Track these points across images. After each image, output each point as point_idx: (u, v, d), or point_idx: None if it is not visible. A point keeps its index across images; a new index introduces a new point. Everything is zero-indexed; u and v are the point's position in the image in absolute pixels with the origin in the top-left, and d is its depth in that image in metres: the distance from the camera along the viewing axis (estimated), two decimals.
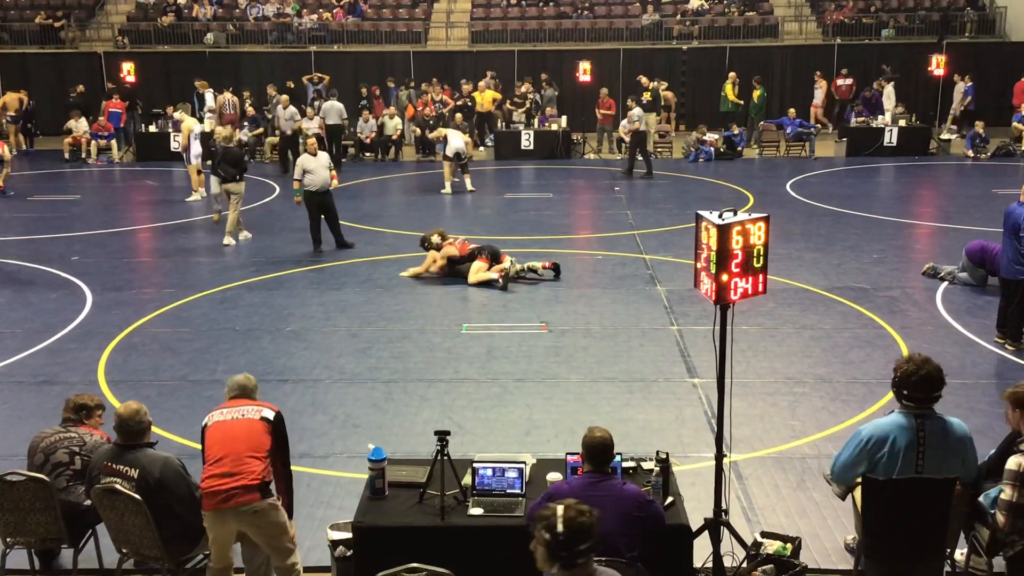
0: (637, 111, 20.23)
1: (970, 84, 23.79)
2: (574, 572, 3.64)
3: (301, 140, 18.31)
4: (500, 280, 12.06)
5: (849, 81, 24.72)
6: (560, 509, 3.66)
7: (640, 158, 20.06)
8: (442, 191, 18.34)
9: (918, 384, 4.86)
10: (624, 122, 20.87)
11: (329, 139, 21.62)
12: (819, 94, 24.70)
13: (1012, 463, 5.01)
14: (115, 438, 5.57)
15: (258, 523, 5.34)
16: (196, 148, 17.90)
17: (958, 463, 4.90)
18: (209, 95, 23.29)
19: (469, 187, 18.41)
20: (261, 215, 16.52)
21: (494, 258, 12.34)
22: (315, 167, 13.59)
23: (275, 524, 5.39)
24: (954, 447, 4.86)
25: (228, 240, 14.48)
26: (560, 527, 3.60)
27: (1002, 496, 4.96)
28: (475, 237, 13.44)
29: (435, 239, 12.60)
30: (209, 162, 17.19)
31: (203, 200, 17.89)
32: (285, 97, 21.10)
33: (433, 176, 19.91)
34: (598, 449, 4.98)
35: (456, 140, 18.24)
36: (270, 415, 5.53)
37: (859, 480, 5.13)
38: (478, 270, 12.21)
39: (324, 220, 13.89)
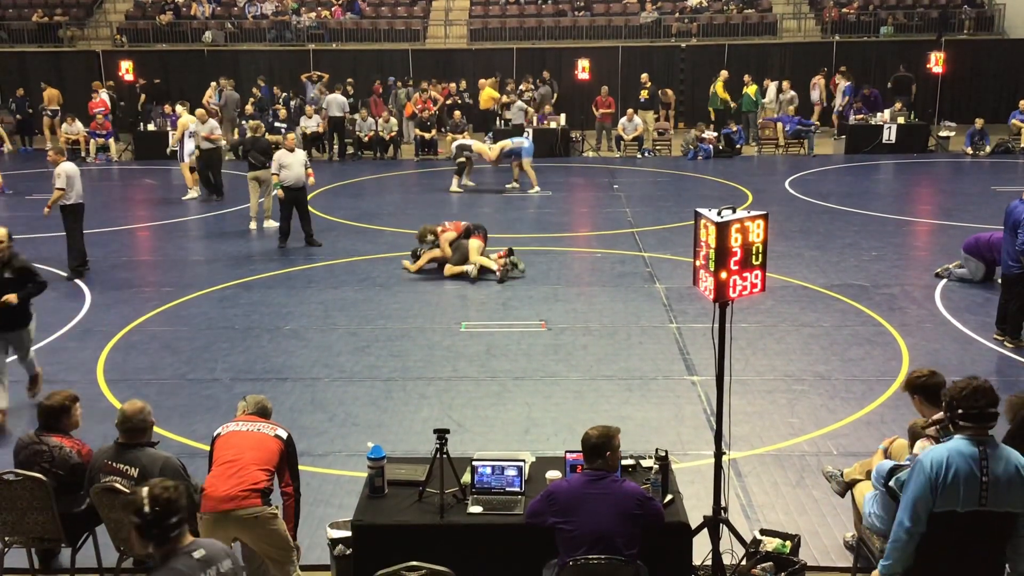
0: (520, 103, 21.59)
1: (848, 84, 23.94)
2: (169, 547, 3.77)
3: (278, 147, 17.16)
4: (498, 273, 12.20)
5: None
6: (144, 490, 3.77)
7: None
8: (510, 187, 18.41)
9: (970, 397, 4.46)
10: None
11: (332, 131, 22.23)
12: (815, 94, 24.69)
13: (918, 447, 5.05)
14: (116, 436, 5.57)
15: (257, 530, 5.32)
16: (189, 146, 17.91)
17: (1020, 497, 4.42)
18: (103, 94, 23.43)
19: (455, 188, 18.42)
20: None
21: (486, 239, 12.73)
22: (291, 162, 13.90)
23: (274, 533, 5.37)
24: (1016, 479, 4.42)
25: (253, 225, 15.48)
26: (147, 507, 3.71)
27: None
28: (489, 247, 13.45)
29: (430, 237, 12.76)
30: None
31: (199, 198, 17.93)
32: (201, 111, 18.52)
33: (432, 175, 19.91)
34: (587, 445, 5.03)
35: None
36: (284, 435, 5.59)
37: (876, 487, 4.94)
38: (477, 249, 12.43)
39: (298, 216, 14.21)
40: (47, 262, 13.26)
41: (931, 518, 4.43)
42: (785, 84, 23.52)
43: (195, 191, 18.09)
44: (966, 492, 4.38)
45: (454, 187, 18.32)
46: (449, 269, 12.45)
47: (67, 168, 12.58)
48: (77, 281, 12.47)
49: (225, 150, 22.61)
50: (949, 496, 4.39)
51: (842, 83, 24.00)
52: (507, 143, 18.70)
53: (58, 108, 24.32)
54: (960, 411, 4.49)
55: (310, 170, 14.32)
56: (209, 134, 17.36)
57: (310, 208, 14.56)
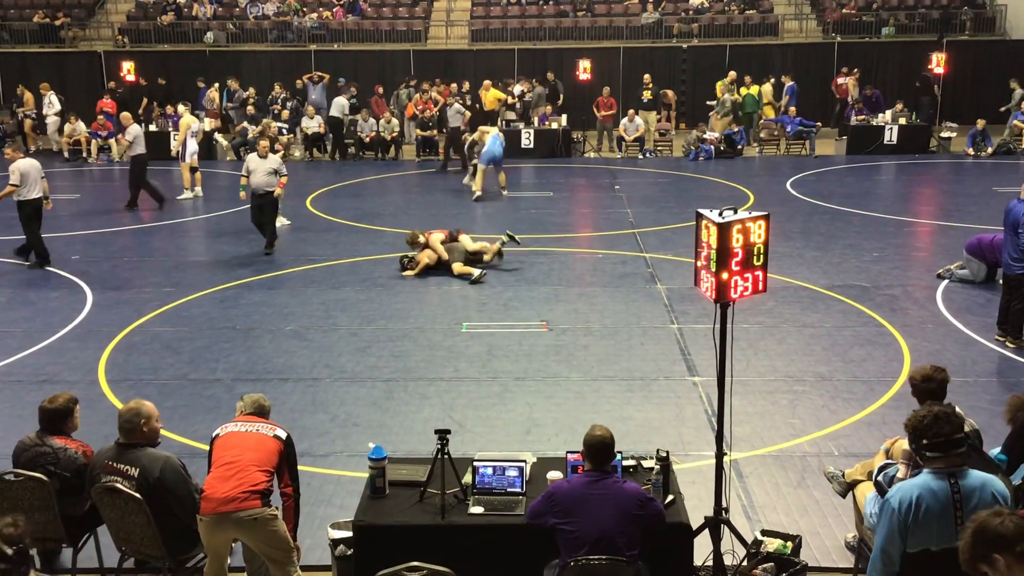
0: (457, 107, 21.02)
1: (791, 84, 23.96)
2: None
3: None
4: (501, 243, 12.88)
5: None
6: None
7: (456, 157, 20.67)
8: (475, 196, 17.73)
9: (933, 425, 4.29)
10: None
11: (331, 131, 22.44)
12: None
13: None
14: (116, 437, 5.57)
15: (257, 531, 5.32)
16: (192, 146, 17.90)
17: None
18: (53, 96, 23.45)
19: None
20: None
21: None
22: (256, 168, 13.76)
23: (273, 534, 5.36)
24: (993, 506, 4.14)
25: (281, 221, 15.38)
26: (9, 550, 3.71)
27: (898, 475, 4.97)
28: (480, 236, 13.44)
29: (421, 238, 12.81)
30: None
31: (195, 199, 17.95)
32: (126, 114, 17.78)
33: (433, 175, 19.91)
34: (598, 448, 4.98)
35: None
36: (283, 435, 5.57)
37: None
38: (470, 240, 12.96)
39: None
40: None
41: (905, 558, 4.26)
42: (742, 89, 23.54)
43: (192, 192, 18.11)
44: (940, 530, 4.20)
45: (467, 180, 18.65)
46: (458, 268, 12.49)
47: (21, 165, 12.87)
48: (79, 281, 12.47)
49: (226, 149, 22.80)
50: (921, 536, 4.22)
51: (787, 82, 24.04)
52: (492, 129, 18.46)
53: (34, 110, 24.37)
54: (925, 441, 4.33)
55: (283, 178, 13.87)
56: (122, 138, 16.90)
57: (324, 209, 14.51)
